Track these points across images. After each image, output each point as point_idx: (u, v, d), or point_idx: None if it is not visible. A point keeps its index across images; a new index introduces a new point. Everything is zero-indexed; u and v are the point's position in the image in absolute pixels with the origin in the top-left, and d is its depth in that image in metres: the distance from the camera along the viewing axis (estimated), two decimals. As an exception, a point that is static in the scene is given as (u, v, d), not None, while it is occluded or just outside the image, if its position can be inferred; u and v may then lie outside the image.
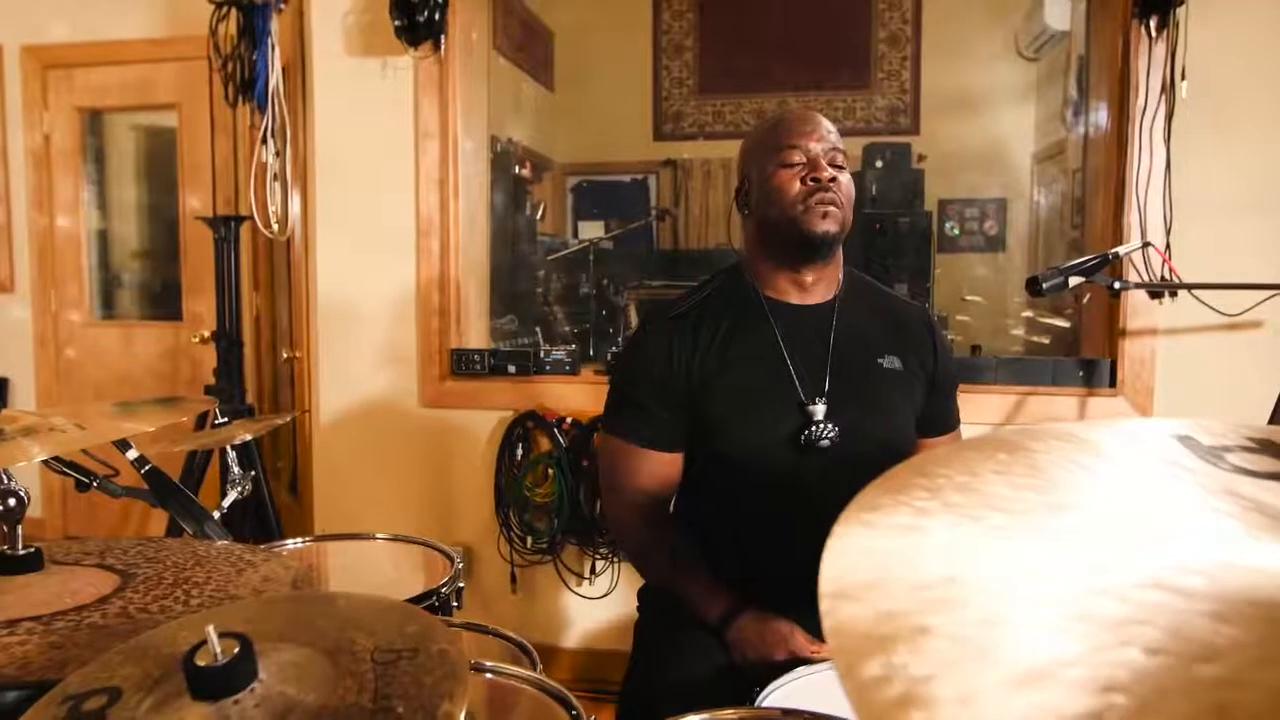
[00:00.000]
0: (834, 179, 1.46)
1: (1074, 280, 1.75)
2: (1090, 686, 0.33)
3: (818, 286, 1.55)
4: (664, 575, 1.54)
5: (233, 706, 0.56)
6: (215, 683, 0.57)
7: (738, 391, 1.50)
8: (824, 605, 0.39)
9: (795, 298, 1.55)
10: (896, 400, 1.54)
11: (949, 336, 3.87)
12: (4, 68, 3.90)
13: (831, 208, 1.45)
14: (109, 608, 0.86)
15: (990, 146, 4.85)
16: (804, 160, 1.47)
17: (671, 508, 1.61)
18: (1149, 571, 0.38)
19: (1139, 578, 0.37)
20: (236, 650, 0.58)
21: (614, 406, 1.60)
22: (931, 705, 0.34)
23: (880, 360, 1.54)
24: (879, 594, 0.39)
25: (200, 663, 0.57)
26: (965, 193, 4.95)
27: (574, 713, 0.88)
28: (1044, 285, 1.74)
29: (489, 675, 0.99)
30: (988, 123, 4.85)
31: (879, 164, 4.25)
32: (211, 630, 0.57)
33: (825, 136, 1.49)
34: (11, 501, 1.10)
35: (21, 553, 0.93)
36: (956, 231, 5.06)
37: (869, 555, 0.42)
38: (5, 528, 1.09)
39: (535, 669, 1.08)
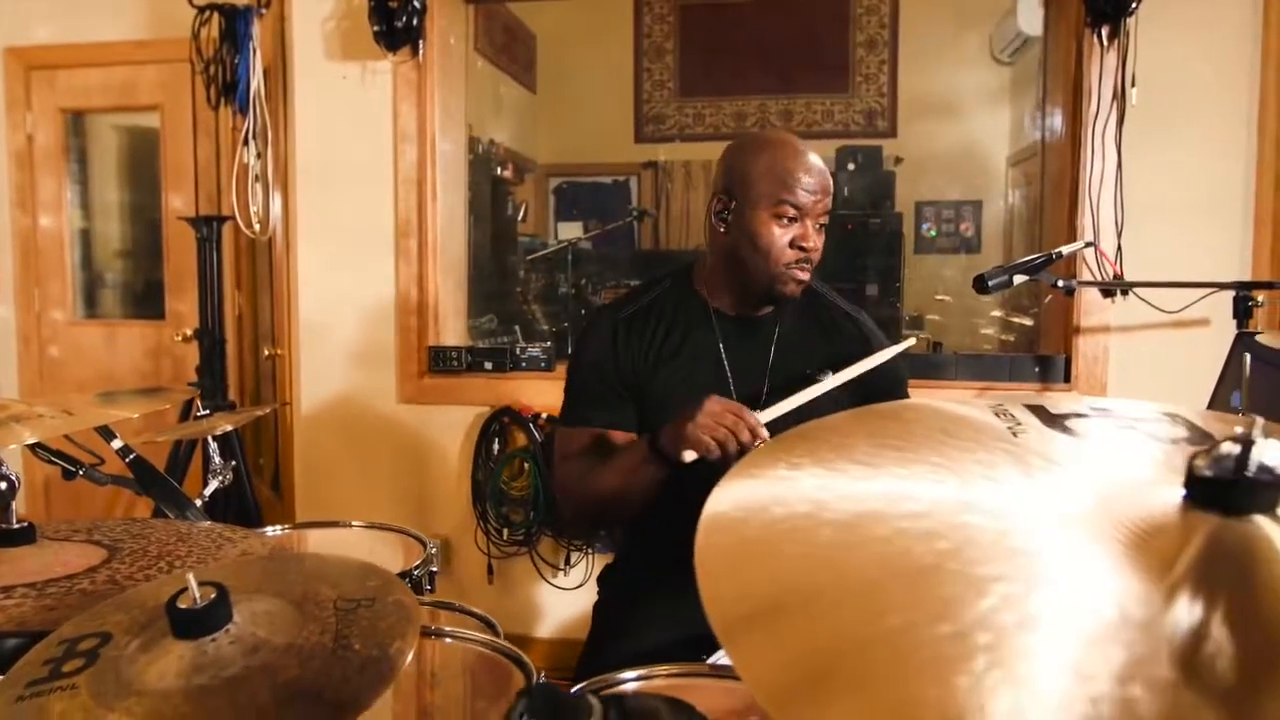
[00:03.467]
0: (815, 247, 1.50)
1: (1018, 278, 1.84)
2: (874, 574, 0.42)
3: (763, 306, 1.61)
4: (603, 484, 1.51)
5: (210, 644, 0.64)
6: (194, 623, 0.64)
7: (673, 392, 1.54)
8: (699, 539, 0.47)
9: (739, 311, 1.61)
10: (825, 414, 1.59)
11: (922, 335, 3.96)
12: (-13, 69, 3.94)
13: (805, 275, 1.51)
14: (97, 576, 0.93)
15: (967, 150, 4.93)
16: (797, 218, 1.48)
17: None
18: (932, 503, 0.47)
19: (926, 507, 0.46)
20: (213, 596, 0.65)
21: (568, 403, 1.63)
22: (778, 613, 0.43)
23: (814, 375, 1.59)
24: (745, 527, 0.47)
25: (182, 606, 0.65)
26: (942, 195, 5.03)
27: (526, 669, 0.96)
28: (990, 283, 1.83)
29: (448, 640, 1.07)
30: (964, 126, 4.93)
31: (850, 166, 4.35)
32: (191, 578, 0.65)
33: (825, 196, 1.50)
34: (2, 485, 1.17)
35: (16, 527, 1.00)
36: (933, 233, 5.13)
37: (743, 498, 0.50)
38: (-4, 509, 1.17)
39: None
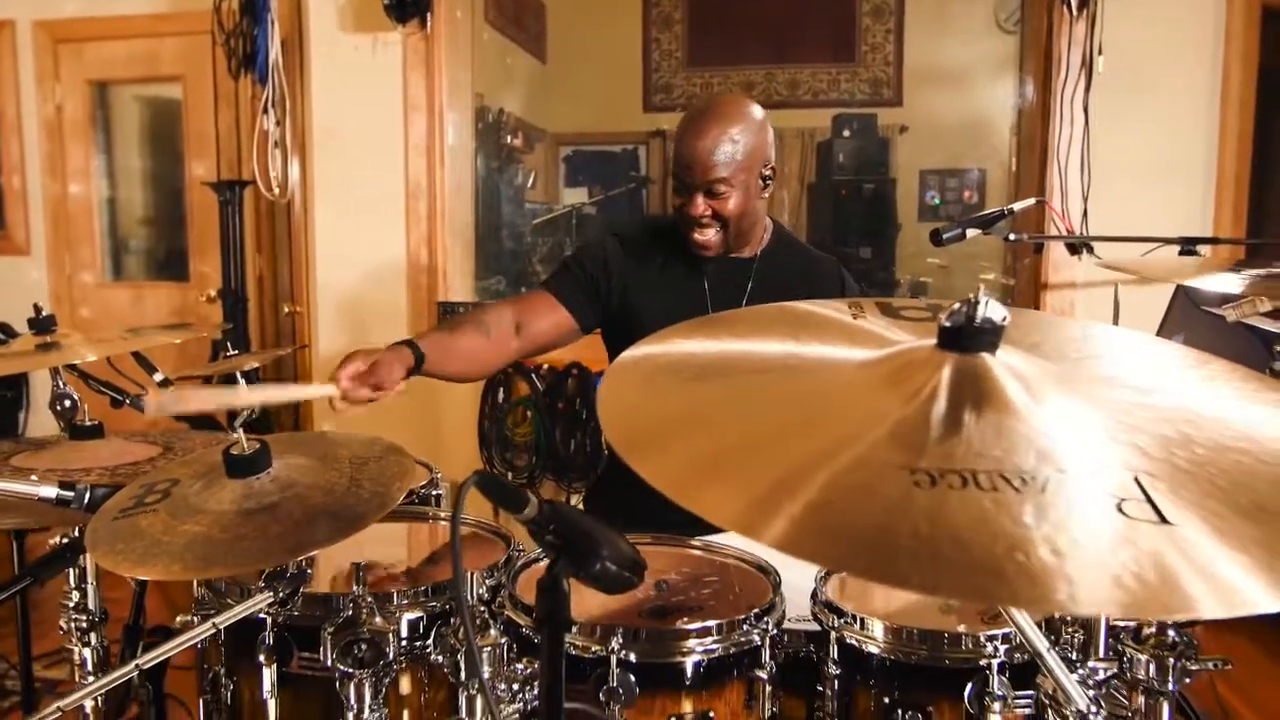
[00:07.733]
0: (708, 211, 1.62)
1: (971, 232, 2.00)
2: (721, 396, 0.61)
3: (739, 249, 1.77)
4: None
5: (255, 482, 0.84)
6: (244, 465, 0.84)
7: (654, 318, 1.71)
8: (601, 386, 0.66)
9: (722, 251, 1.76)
10: None
11: (923, 300, 4.11)
12: (17, 42, 4.12)
13: (708, 239, 1.65)
14: (157, 463, 1.13)
15: (971, 118, 4.97)
16: (685, 189, 1.64)
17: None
18: (771, 355, 0.66)
19: (765, 358, 0.65)
20: (258, 446, 0.85)
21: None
22: (668, 436, 0.62)
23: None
24: (644, 367, 0.66)
25: (234, 453, 0.85)
26: (947, 163, 5.09)
27: (507, 540, 1.16)
28: (944, 236, 1.99)
29: (444, 523, 1.28)
30: (970, 95, 4.97)
31: (846, 133, 4.49)
32: (240, 433, 0.85)
33: (706, 170, 1.60)
34: (67, 402, 1.39)
35: (90, 424, 1.21)
36: (937, 201, 5.19)
37: (639, 357, 0.69)
38: (62, 421, 1.39)
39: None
